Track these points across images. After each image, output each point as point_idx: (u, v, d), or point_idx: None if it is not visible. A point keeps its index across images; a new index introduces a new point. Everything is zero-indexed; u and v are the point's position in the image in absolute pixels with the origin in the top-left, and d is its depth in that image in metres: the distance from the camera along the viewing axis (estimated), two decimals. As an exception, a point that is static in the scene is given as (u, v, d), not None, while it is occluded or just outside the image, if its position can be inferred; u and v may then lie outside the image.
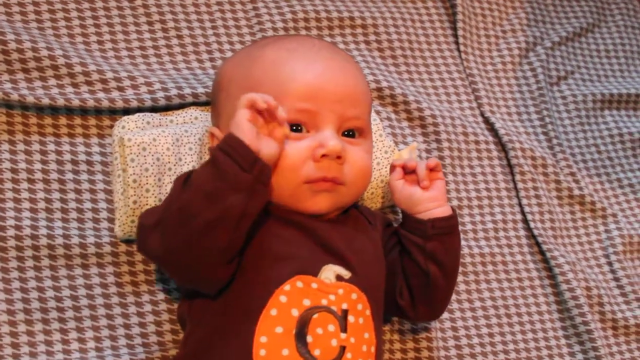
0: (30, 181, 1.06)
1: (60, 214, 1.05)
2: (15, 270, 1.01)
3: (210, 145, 1.03)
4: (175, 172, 1.05)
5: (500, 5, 1.42)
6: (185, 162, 1.06)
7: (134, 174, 1.02)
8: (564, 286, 1.23)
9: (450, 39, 1.36)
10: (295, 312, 0.89)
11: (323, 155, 0.94)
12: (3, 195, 1.04)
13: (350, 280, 0.93)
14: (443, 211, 1.01)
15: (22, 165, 1.06)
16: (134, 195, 1.02)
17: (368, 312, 0.93)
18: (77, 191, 1.07)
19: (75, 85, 1.10)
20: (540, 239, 1.26)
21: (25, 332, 0.99)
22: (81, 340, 1.00)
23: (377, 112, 1.24)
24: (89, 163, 1.09)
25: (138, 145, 1.03)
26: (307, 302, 0.89)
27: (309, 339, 0.89)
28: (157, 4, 1.19)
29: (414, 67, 1.31)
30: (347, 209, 1.05)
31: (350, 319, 0.91)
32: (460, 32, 1.35)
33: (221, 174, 0.87)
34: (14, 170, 1.05)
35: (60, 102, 1.07)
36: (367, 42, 1.30)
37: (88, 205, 1.07)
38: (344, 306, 0.91)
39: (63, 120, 1.10)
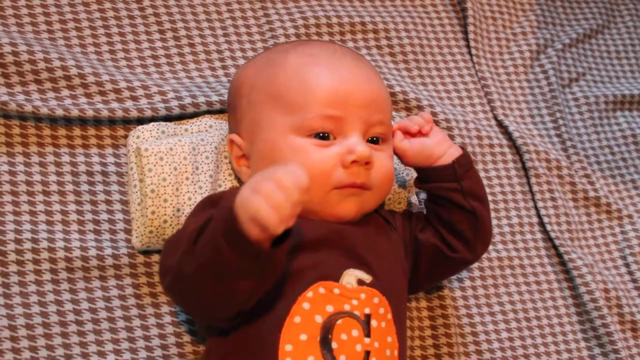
0: (46, 193, 1.04)
1: (76, 225, 1.04)
2: (33, 284, 1.00)
3: (229, 152, 1.02)
4: (192, 181, 1.03)
5: (510, 8, 1.42)
6: (202, 171, 1.05)
7: (151, 184, 1.01)
8: (582, 289, 1.22)
9: (462, 43, 1.35)
10: (319, 319, 0.88)
11: (353, 162, 0.94)
12: (19, 208, 1.03)
13: (371, 284, 0.93)
14: (457, 149, 1.02)
15: (37, 177, 1.05)
16: (152, 205, 1.01)
17: (390, 315, 0.93)
18: (93, 202, 1.06)
19: (88, 95, 1.09)
20: (557, 242, 1.25)
21: (44, 347, 0.97)
22: (101, 354, 0.99)
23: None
24: (104, 174, 1.07)
25: (155, 155, 1.02)
26: (330, 308, 0.89)
27: (334, 345, 0.88)
28: (168, 12, 1.19)
29: (426, 72, 1.31)
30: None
31: (373, 323, 0.91)
32: (471, 36, 1.34)
33: (226, 262, 0.81)
34: (28, 183, 1.04)
35: (74, 112, 1.06)
36: (379, 47, 1.29)
37: (104, 216, 1.06)
38: (367, 311, 0.91)
39: (77, 131, 1.09)
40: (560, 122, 1.34)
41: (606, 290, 1.24)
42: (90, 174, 1.07)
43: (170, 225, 1.02)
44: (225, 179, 1.06)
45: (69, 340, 0.99)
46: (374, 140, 0.99)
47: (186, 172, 1.03)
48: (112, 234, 1.05)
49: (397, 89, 1.25)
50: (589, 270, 1.23)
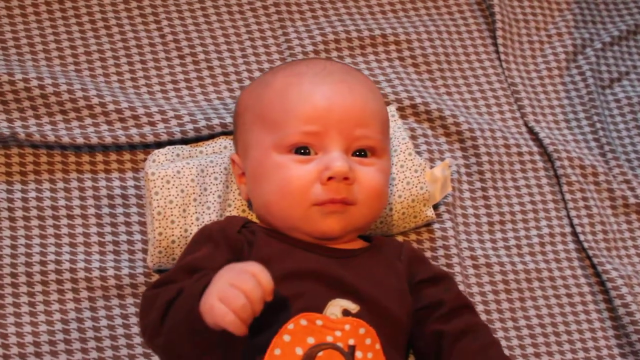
0: (70, 217, 1.11)
1: (97, 247, 1.10)
2: (57, 303, 1.07)
3: (232, 170, 1.05)
4: (200, 202, 1.07)
5: (545, 9, 1.37)
6: (211, 192, 1.08)
7: (158, 206, 1.06)
8: (617, 302, 1.16)
9: (491, 49, 1.32)
10: (300, 351, 0.88)
11: (330, 178, 0.94)
12: (45, 232, 1.10)
13: (358, 314, 0.91)
14: None
15: (62, 202, 1.12)
16: (159, 227, 1.05)
17: (378, 346, 0.91)
18: (113, 225, 1.12)
19: (109, 123, 1.15)
20: (591, 252, 1.20)
21: (65, 362, 1.04)
22: (118, 369, 1.05)
23: (412, 129, 1.23)
24: (124, 197, 1.13)
25: (162, 179, 1.06)
26: (311, 340, 0.89)
27: None
28: (187, 38, 1.23)
29: (451, 80, 1.29)
30: (370, 237, 1.04)
31: (358, 354, 0.89)
32: (500, 41, 1.31)
33: (189, 345, 0.86)
34: (54, 208, 1.12)
35: (94, 140, 1.13)
36: (402, 59, 1.28)
37: (124, 237, 1.11)
38: (351, 342, 0.89)
39: (99, 157, 1.15)
40: (598, 125, 1.28)
41: (647, 303, 1.17)
42: (111, 197, 1.13)
43: (179, 245, 1.06)
44: (236, 198, 1.09)
45: (89, 356, 1.05)
46: (361, 154, 0.98)
47: (194, 193, 1.07)
48: (131, 254, 1.11)
49: (419, 100, 1.24)
50: (625, 282, 1.17)
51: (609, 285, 1.17)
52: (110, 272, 1.09)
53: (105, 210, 1.12)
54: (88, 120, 1.15)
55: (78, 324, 1.06)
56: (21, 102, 1.14)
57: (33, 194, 1.12)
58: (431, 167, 1.17)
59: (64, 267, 1.08)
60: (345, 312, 0.92)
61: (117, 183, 1.14)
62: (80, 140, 1.12)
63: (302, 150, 0.96)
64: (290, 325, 0.89)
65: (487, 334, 0.98)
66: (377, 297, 0.94)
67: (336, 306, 0.92)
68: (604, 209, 1.24)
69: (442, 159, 1.22)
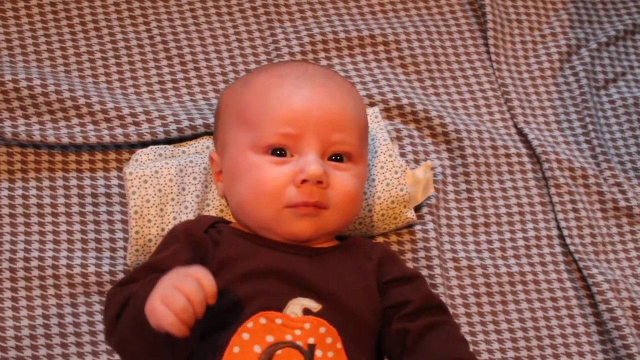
0: (54, 215, 1.14)
1: (80, 244, 1.13)
2: (39, 298, 1.09)
3: (210, 168, 1.06)
4: (177, 202, 1.09)
5: (540, 9, 1.35)
6: (189, 192, 1.10)
7: (135, 205, 1.07)
8: (602, 306, 1.14)
9: (482, 49, 1.31)
10: (258, 349, 0.89)
11: (304, 181, 0.95)
12: (29, 229, 1.13)
13: (319, 313, 0.92)
14: None
15: (47, 200, 1.15)
16: (136, 225, 1.07)
17: (339, 345, 0.91)
18: (96, 222, 1.14)
19: (95, 122, 1.17)
20: (577, 256, 1.18)
21: (45, 356, 1.07)
22: (96, 365, 1.07)
23: (398, 130, 1.22)
24: (107, 195, 1.15)
25: (140, 178, 1.08)
26: (270, 338, 0.89)
27: None
28: (175, 39, 1.25)
29: (440, 81, 1.28)
30: (342, 237, 1.04)
31: (318, 353, 0.89)
32: (491, 41, 1.30)
33: (138, 345, 0.88)
34: (39, 206, 1.14)
35: (79, 140, 1.15)
36: (390, 59, 1.28)
37: (106, 235, 1.13)
38: (311, 340, 0.90)
39: (85, 157, 1.17)
40: (590, 127, 1.26)
41: (634, 309, 1.15)
42: (95, 196, 1.15)
43: (155, 244, 1.08)
44: (214, 198, 1.10)
45: (68, 350, 1.07)
46: (337, 159, 0.99)
47: (172, 193, 1.09)
48: (112, 252, 1.13)
49: (405, 101, 1.24)
50: (611, 287, 1.15)
51: (595, 289, 1.15)
52: (92, 269, 1.11)
53: (89, 208, 1.15)
54: (75, 120, 1.17)
55: (59, 319, 1.08)
56: (10, 103, 1.17)
57: (19, 192, 1.14)
58: (413, 169, 1.17)
59: (46, 264, 1.10)
60: (306, 311, 0.92)
61: (101, 182, 1.16)
62: (65, 140, 1.15)
63: (278, 151, 0.97)
64: (249, 324, 0.90)
65: (454, 330, 0.96)
66: (341, 296, 0.94)
67: (297, 305, 0.92)
68: (593, 212, 1.22)
69: (427, 160, 1.21)
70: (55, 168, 1.16)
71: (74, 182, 1.16)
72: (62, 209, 1.14)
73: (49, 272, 1.10)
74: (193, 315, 0.82)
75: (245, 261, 0.94)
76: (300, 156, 0.96)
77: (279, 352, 0.89)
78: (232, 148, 1.00)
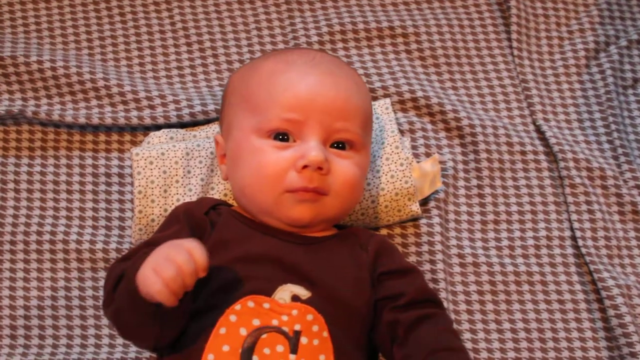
0: (69, 192, 1.18)
1: (91, 221, 1.16)
2: (48, 271, 1.13)
3: (215, 151, 1.08)
4: (182, 184, 1.11)
5: (569, 4, 1.31)
6: (194, 175, 1.12)
7: (139, 185, 1.10)
8: (611, 312, 1.10)
9: (505, 44, 1.28)
10: (244, 332, 0.90)
11: (304, 167, 0.96)
12: (45, 204, 1.17)
13: (308, 301, 0.92)
14: None
15: (63, 177, 1.19)
16: (139, 205, 1.10)
17: (325, 333, 0.91)
18: (108, 201, 1.17)
19: (112, 105, 1.21)
20: (588, 259, 1.14)
21: (51, 326, 1.11)
22: (97, 337, 1.10)
23: (411, 123, 1.21)
24: (120, 176, 1.19)
25: (145, 159, 1.11)
26: (256, 322, 0.90)
27: (255, 358, 0.89)
28: (196, 26, 1.27)
29: (459, 75, 1.26)
30: (340, 226, 1.04)
31: (303, 340, 0.90)
32: (514, 36, 1.27)
33: (130, 315, 0.91)
34: (55, 182, 1.19)
35: (95, 120, 1.19)
36: (409, 51, 1.27)
37: (116, 214, 1.17)
38: (297, 327, 0.90)
39: (102, 137, 1.21)
40: (613, 127, 1.22)
41: (646, 316, 1.11)
42: (108, 175, 1.19)
43: (158, 223, 1.10)
44: (219, 182, 1.12)
45: (72, 323, 1.11)
46: (339, 146, 0.99)
47: (177, 175, 1.11)
48: (121, 230, 1.16)
49: (420, 93, 1.22)
50: (621, 292, 1.11)
51: (604, 294, 1.11)
52: (99, 245, 1.14)
53: (102, 187, 1.18)
54: (94, 102, 1.21)
55: (66, 292, 1.12)
56: (35, 83, 1.22)
57: (38, 169, 1.19)
58: (418, 162, 1.15)
59: (57, 238, 1.14)
60: (295, 298, 0.93)
61: (115, 162, 1.20)
62: (82, 120, 1.19)
63: (280, 136, 0.98)
64: (237, 306, 0.91)
65: (445, 322, 0.95)
66: (332, 285, 0.94)
67: (286, 291, 0.93)
68: (609, 214, 1.18)
69: (439, 154, 1.20)
70: (73, 147, 1.21)
71: (89, 161, 1.20)
72: (76, 187, 1.18)
73: (60, 246, 1.14)
74: (182, 285, 0.84)
75: (239, 245, 0.96)
76: (302, 142, 0.97)
77: (264, 336, 0.90)
78: (237, 131, 1.01)
